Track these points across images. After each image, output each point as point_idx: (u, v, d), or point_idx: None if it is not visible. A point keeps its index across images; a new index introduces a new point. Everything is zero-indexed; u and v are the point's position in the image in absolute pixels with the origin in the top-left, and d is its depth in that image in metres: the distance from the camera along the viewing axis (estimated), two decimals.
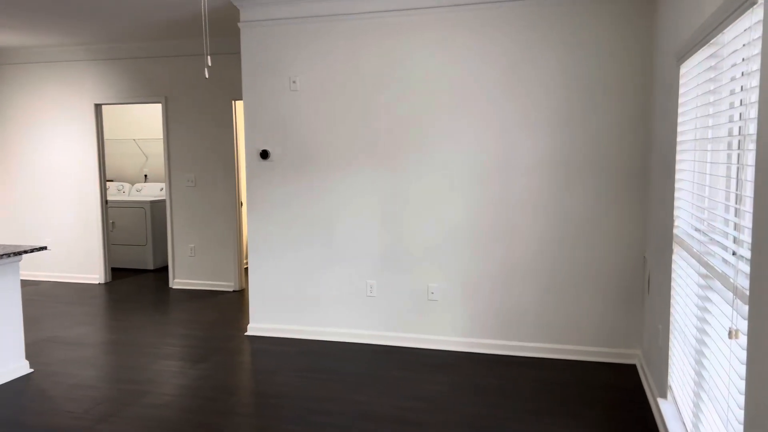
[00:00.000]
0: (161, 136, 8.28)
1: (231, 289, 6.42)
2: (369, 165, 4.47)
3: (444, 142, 4.31)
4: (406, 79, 4.34)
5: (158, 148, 8.41)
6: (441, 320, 4.43)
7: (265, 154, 4.68)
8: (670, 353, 2.98)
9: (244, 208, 7.30)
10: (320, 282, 4.66)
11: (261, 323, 4.83)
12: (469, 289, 4.36)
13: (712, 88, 2.53)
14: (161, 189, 7.97)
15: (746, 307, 1.78)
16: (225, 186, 6.32)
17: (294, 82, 4.57)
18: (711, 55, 2.37)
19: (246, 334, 4.86)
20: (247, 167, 4.75)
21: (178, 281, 6.58)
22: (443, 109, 4.29)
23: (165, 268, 7.60)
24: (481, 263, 4.31)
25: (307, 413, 3.39)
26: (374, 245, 4.52)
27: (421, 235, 4.41)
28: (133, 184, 8.43)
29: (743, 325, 1.82)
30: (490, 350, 4.34)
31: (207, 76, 2.94)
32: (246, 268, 7.39)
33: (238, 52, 5.99)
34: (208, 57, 2.93)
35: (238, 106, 6.34)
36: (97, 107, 6.71)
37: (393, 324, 4.53)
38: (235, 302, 5.94)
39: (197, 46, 6.15)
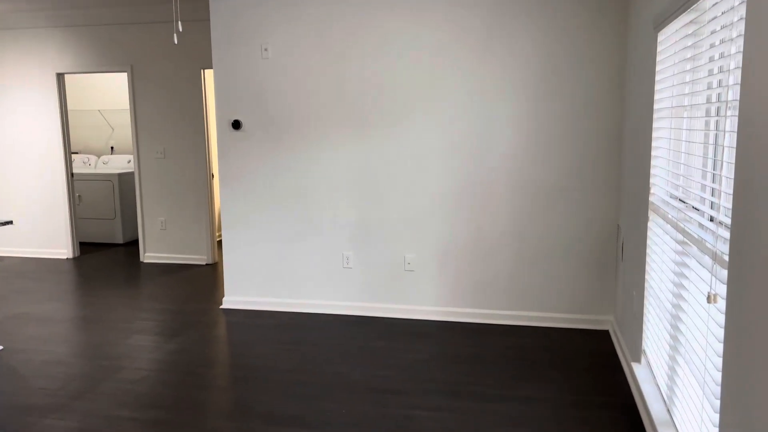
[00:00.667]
0: (128, 107, 8.05)
1: (204, 263, 6.34)
2: (344, 135, 4.41)
3: (419, 112, 4.26)
4: (381, 47, 4.27)
5: (125, 119, 8.18)
6: (417, 290, 4.44)
7: (236, 125, 4.58)
8: (644, 318, 3.03)
9: (216, 180, 7.17)
10: (296, 254, 4.62)
11: (236, 296, 4.78)
12: (445, 259, 4.37)
13: (689, 56, 2.53)
14: (129, 161, 7.77)
15: (725, 272, 1.81)
16: (195, 157, 6.19)
17: (266, 49, 4.45)
18: (691, 22, 2.36)
19: (221, 307, 4.81)
20: (218, 138, 4.64)
21: (149, 255, 6.46)
22: (418, 78, 4.23)
23: (135, 242, 7.46)
24: (457, 233, 4.32)
25: (286, 385, 3.38)
26: (350, 216, 4.48)
27: (396, 205, 4.39)
28: (99, 156, 8.20)
29: (722, 290, 1.85)
30: (467, 319, 4.38)
31: (176, 42, 2.83)
32: (219, 241, 7.30)
33: (207, 19, 5.81)
34: (179, 22, 2.81)
35: (208, 75, 6.18)
36: (60, 77, 6.47)
37: (370, 295, 4.53)
38: (209, 276, 5.87)
39: (164, 12, 5.94)
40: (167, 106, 6.18)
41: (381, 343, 3.99)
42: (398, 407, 3.10)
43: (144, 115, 6.25)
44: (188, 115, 6.14)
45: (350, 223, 4.49)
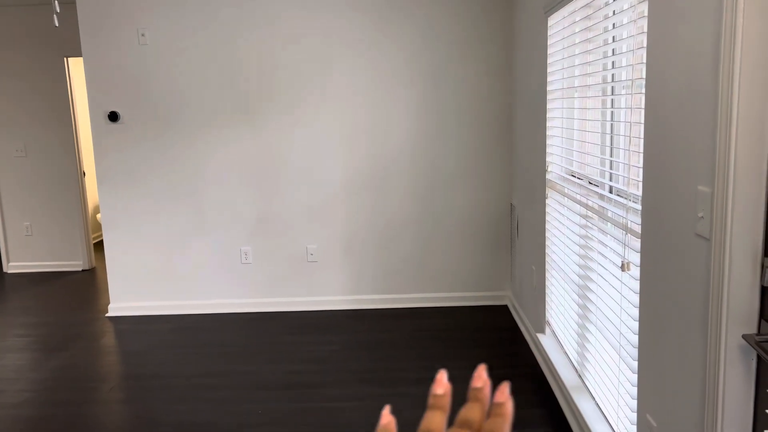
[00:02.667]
0: None
1: (80, 269, 5.83)
2: (234, 123, 4.21)
3: (315, 98, 4.17)
4: (270, 31, 4.11)
5: None
6: (323, 281, 4.37)
7: (113, 116, 4.22)
8: (546, 291, 3.19)
9: (88, 178, 6.60)
10: (189, 253, 4.36)
11: (124, 302, 4.43)
12: (349, 247, 4.33)
13: (577, 41, 2.66)
14: None
15: (638, 241, 1.93)
16: (63, 154, 5.65)
17: (143, 34, 4.13)
18: (585, 5, 2.48)
19: (108, 315, 4.44)
20: (93, 132, 4.25)
21: (13, 264, 5.83)
22: (311, 63, 4.13)
23: None
24: (358, 220, 4.29)
25: (194, 390, 3.19)
26: (246, 210, 4.30)
27: (295, 195, 4.28)
28: None
29: (635, 258, 1.97)
30: (374, 305, 4.38)
31: (56, 24, 2.52)
32: (96, 243, 6.74)
33: (71, 2, 5.29)
34: (56, 2, 2.47)
35: (72, 64, 5.65)
36: None
37: (273, 290, 4.39)
38: (88, 282, 5.41)
39: None
40: (26, 100, 5.57)
41: (290, 338, 3.88)
42: (317, 401, 3.04)
43: None
44: (52, 108, 5.58)
45: (247, 216, 4.31)
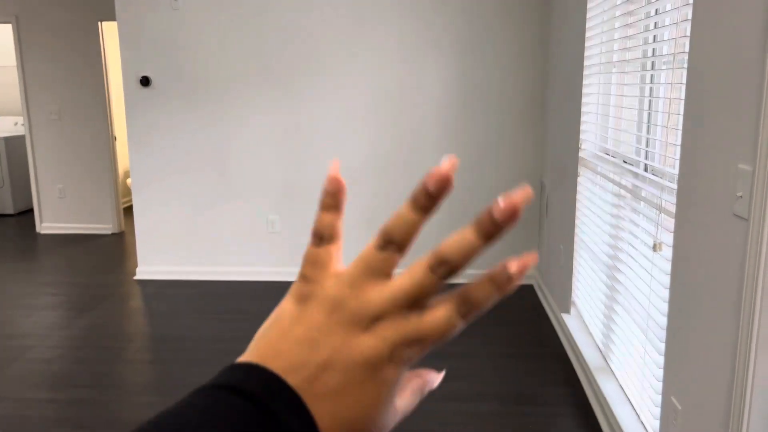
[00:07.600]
0: (13, 63, 7.28)
1: (110, 232, 5.93)
2: (265, 90, 4.20)
3: (345, 68, 4.13)
4: None
5: (9, 77, 7.40)
6: (346, 253, 4.35)
7: (146, 81, 4.24)
8: (574, 271, 3.14)
9: (119, 143, 6.68)
10: (217, 219, 4.40)
11: (151, 266, 4.50)
12: (373, 220, 4.32)
13: (617, 14, 2.58)
14: (16, 123, 7.08)
15: (671, 221, 1.87)
16: (96, 118, 5.72)
17: None
18: None
19: (135, 278, 4.52)
20: (125, 96, 4.28)
21: (46, 225, 5.96)
22: (343, 32, 4.09)
23: (29, 212, 6.85)
24: (386, 192, 4.27)
25: (217, 354, 3.23)
26: (274, 178, 4.31)
27: (322, 165, 4.27)
28: None
29: (667, 238, 1.92)
30: None
31: None
32: (125, 208, 6.85)
33: None
34: None
35: (106, 28, 5.68)
36: None
37: (298, 260, 4.41)
38: (117, 245, 5.51)
39: None
40: (61, 63, 5.63)
41: None
42: None
43: (34, 72, 5.67)
44: (86, 71, 5.63)
45: (275, 184, 4.32)
